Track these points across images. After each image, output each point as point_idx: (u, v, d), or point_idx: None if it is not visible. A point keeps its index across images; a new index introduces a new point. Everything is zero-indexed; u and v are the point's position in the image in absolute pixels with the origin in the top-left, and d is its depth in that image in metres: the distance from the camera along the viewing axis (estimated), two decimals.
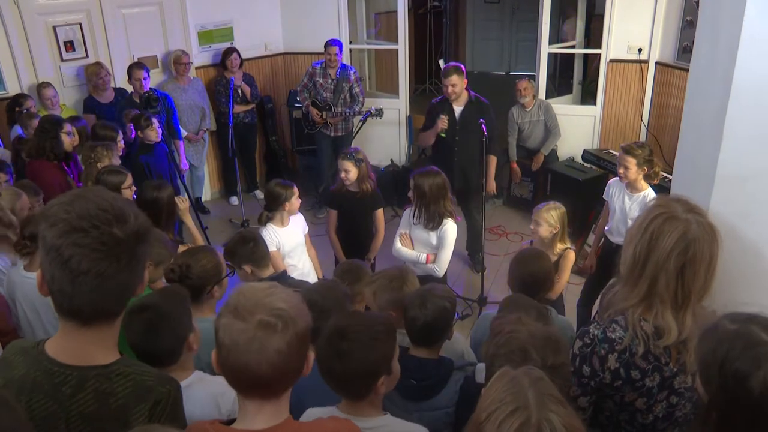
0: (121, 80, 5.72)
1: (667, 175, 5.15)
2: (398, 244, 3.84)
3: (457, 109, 4.89)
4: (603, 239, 4.22)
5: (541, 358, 1.49)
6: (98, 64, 5.56)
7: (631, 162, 3.77)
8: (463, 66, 4.90)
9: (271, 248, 3.61)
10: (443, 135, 4.85)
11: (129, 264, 1.28)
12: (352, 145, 5.86)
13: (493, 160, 5.01)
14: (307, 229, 3.94)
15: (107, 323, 1.35)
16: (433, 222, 3.65)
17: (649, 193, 3.91)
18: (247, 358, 1.27)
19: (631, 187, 3.90)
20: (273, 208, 3.68)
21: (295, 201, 3.70)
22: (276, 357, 1.26)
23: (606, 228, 4.13)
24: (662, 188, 4.94)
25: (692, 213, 1.68)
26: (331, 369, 1.69)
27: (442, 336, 2.28)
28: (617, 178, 4.03)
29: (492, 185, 5.11)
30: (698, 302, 1.70)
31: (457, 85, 4.78)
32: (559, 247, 3.53)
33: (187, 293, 2.10)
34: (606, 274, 3.93)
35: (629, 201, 3.92)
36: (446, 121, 4.81)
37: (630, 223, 3.83)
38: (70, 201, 1.27)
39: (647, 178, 3.88)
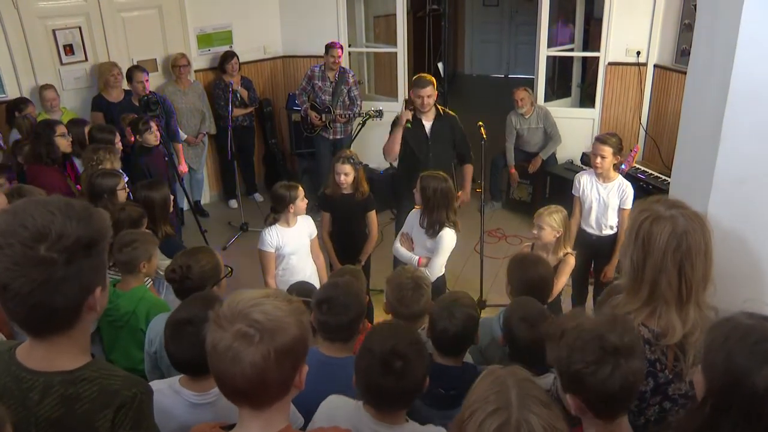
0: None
1: (666, 178, 5.16)
2: (397, 244, 3.86)
3: (427, 123, 4.56)
4: (579, 233, 4.22)
5: (619, 337, 1.43)
6: (112, 63, 5.58)
7: (607, 151, 3.94)
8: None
9: (269, 249, 3.68)
10: (409, 125, 4.46)
11: (47, 284, 1.20)
12: (352, 148, 5.86)
13: (469, 170, 4.71)
14: (315, 233, 3.91)
15: (59, 334, 1.31)
16: (433, 228, 3.64)
17: (622, 181, 4.06)
18: (223, 367, 1.25)
19: (603, 177, 4.04)
20: (279, 210, 3.69)
21: (301, 203, 3.68)
22: (250, 369, 1.22)
23: (581, 223, 4.19)
24: (660, 190, 4.96)
25: (675, 208, 1.69)
26: (387, 388, 1.71)
27: (470, 344, 2.30)
28: (584, 172, 4.23)
29: (467, 196, 4.70)
30: (703, 291, 1.70)
31: (431, 96, 4.46)
32: (561, 251, 3.52)
33: (219, 299, 2.03)
34: (588, 267, 4.20)
35: (604, 191, 4.05)
36: (410, 114, 4.46)
37: (611, 213, 4.01)
38: (4, 213, 1.24)
39: (614, 167, 4.07)
